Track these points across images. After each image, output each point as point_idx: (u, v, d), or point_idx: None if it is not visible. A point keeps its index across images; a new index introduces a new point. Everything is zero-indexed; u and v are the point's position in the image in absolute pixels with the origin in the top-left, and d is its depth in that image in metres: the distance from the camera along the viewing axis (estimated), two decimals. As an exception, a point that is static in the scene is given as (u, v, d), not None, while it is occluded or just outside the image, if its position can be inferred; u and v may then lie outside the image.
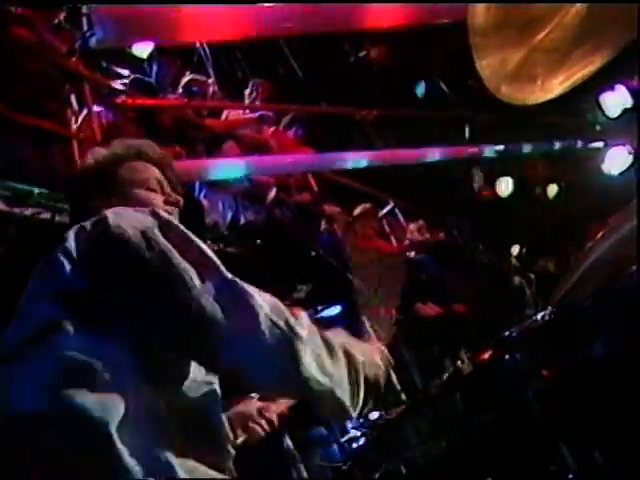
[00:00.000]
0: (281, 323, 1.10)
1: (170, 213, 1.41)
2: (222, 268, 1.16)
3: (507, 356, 1.25)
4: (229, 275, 1.15)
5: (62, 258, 1.17)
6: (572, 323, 1.30)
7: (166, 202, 1.44)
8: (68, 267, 1.16)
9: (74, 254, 1.17)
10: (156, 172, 1.48)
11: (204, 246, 1.19)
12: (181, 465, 1.06)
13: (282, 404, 1.62)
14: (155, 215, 1.23)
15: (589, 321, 1.26)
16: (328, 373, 1.13)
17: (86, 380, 1.06)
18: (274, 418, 1.59)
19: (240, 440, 1.51)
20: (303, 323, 1.14)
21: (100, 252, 1.16)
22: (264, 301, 1.12)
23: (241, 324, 1.09)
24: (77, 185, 1.51)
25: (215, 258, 1.17)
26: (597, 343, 1.21)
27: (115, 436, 1.01)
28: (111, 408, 1.04)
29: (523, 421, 1.18)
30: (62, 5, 3.58)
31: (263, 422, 1.58)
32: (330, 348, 1.16)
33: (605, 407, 1.16)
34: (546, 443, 1.14)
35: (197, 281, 1.11)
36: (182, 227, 1.22)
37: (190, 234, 1.21)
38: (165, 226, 1.20)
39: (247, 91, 5.42)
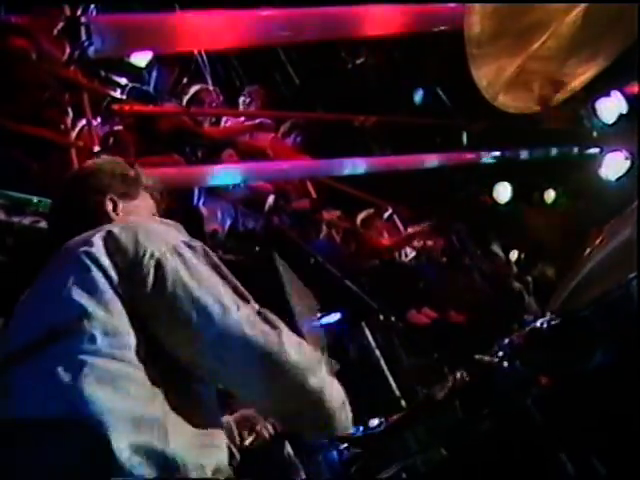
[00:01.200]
0: (310, 352, 1.18)
1: None
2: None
3: (506, 364, 1.26)
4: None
5: (88, 262, 1.19)
6: (571, 332, 1.31)
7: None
8: (95, 273, 1.17)
9: (101, 261, 1.18)
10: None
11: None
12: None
13: None
14: (179, 229, 1.28)
15: (588, 330, 1.27)
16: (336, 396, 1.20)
17: (99, 382, 1.07)
18: None
19: (248, 441, 1.55)
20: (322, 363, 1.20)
21: (132, 266, 1.18)
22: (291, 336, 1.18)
23: (283, 350, 1.13)
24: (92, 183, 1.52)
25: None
26: (596, 352, 1.22)
27: (120, 438, 1.02)
28: (120, 411, 1.05)
29: (523, 429, 1.18)
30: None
31: (268, 425, 1.61)
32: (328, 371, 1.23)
33: (604, 415, 1.16)
34: (546, 451, 1.14)
35: (232, 305, 1.16)
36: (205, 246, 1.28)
37: (210, 253, 1.27)
38: (189, 243, 1.25)
39: (241, 99, 5.44)
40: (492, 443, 1.21)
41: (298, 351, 1.15)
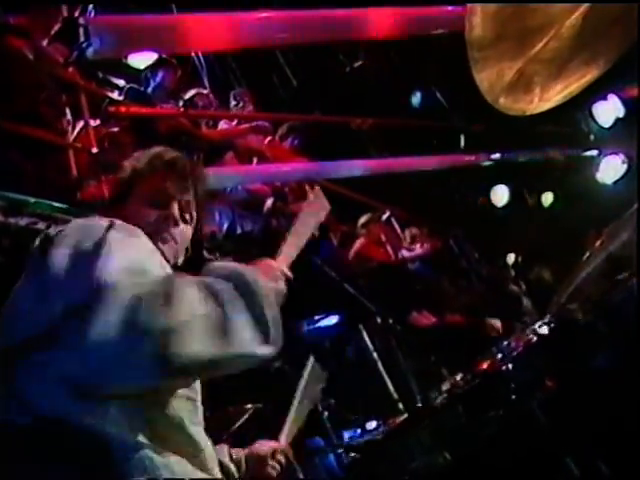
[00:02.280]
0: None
1: (163, 231, 1.41)
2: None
3: (509, 367, 1.25)
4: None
5: (32, 266, 1.20)
6: (572, 335, 1.31)
7: (160, 217, 1.42)
8: (35, 275, 1.17)
9: (39, 262, 1.17)
10: (171, 186, 1.45)
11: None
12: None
13: (285, 442, 1.70)
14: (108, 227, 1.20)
15: (589, 333, 1.26)
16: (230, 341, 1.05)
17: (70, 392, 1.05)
18: (283, 459, 1.66)
19: None
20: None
21: (44, 261, 1.15)
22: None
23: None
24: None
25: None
26: (597, 354, 1.22)
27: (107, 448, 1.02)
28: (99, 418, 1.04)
29: (526, 431, 1.18)
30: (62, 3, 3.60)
31: (276, 465, 1.63)
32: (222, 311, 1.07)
33: (607, 417, 1.16)
34: (550, 453, 1.14)
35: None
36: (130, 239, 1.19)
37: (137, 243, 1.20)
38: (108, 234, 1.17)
39: (232, 103, 5.44)
40: (496, 446, 1.20)
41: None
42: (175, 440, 1.14)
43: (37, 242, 1.22)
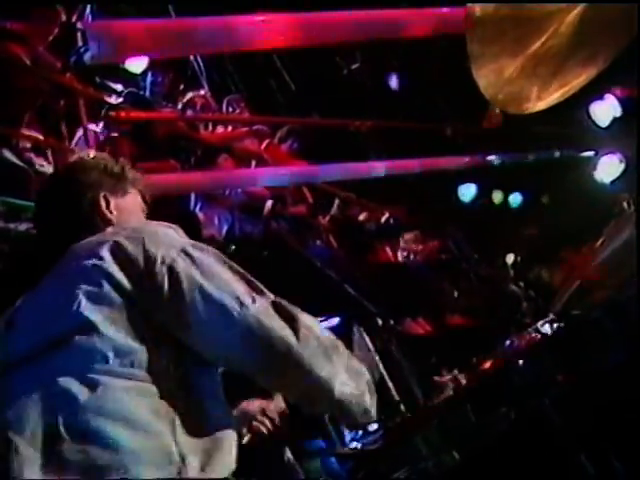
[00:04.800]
0: (326, 340, 1.20)
1: None
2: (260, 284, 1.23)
3: (515, 365, 1.25)
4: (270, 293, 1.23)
5: (99, 277, 1.18)
6: (581, 333, 1.31)
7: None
8: (107, 288, 1.17)
9: (113, 275, 1.17)
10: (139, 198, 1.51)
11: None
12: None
13: (281, 401, 1.64)
14: (180, 232, 1.29)
15: (596, 330, 1.26)
16: (357, 383, 1.21)
17: (109, 401, 1.07)
18: (276, 416, 1.62)
19: (245, 440, 1.54)
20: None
21: (145, 276, 1.17)
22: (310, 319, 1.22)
23: (300, 342, 1.15)
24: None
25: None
26: (605, 351, 1.21)
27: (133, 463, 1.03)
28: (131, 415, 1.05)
29: (537, 429, 1.17)
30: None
31: (266, 421, 1.60)
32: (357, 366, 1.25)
33: (616, 415, 1.16)
34: (561, 452, 1.13)
35: (248, 299, 1.17)
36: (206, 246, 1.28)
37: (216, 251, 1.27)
38: (196, 244, 1.26)
39: (229, 109, 5.44)
40: (506, 445, 1.20)
41: (311, 343, 1.18)
42: (206, 429, 1.16)
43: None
